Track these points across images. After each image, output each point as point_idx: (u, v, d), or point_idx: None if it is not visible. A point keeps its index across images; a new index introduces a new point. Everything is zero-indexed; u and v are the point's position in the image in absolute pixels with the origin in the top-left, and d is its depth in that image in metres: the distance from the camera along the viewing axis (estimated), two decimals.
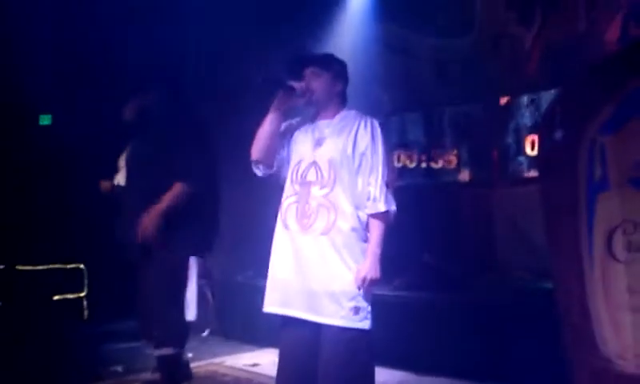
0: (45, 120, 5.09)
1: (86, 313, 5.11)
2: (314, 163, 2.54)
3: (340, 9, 5.09)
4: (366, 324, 2.48)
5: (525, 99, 4.39)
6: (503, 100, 4.51)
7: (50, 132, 5.05)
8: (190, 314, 3.41)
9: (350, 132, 2.54)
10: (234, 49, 5.15)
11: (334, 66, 2.63)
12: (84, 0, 4.55)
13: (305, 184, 2.54)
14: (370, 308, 2.50)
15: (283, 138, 2.64)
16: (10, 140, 4.64)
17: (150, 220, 3.19)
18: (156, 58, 4.74)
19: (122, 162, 3.48)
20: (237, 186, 4.38)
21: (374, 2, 5.07)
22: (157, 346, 3.37)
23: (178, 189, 3.24)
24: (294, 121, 2.69)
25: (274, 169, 2.65)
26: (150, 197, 3.25)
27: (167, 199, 3.22)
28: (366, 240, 2.51)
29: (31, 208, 4.61)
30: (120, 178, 3.48)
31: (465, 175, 4.76)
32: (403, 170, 4.99)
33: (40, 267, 4.92)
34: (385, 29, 5.15)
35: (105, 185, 3.74)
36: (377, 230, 2.48)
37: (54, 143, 4.76)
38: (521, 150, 4.39)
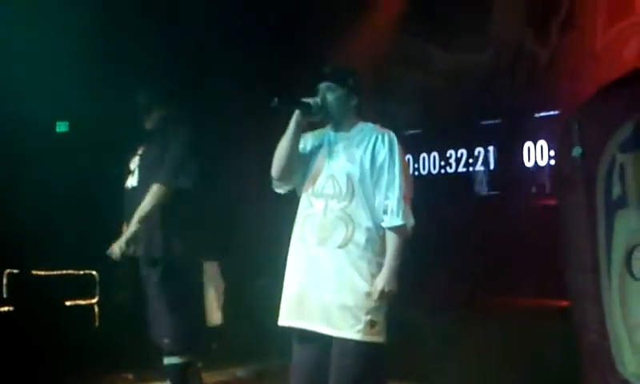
0: (62, 127, 5.12)
1: (97, 319, 5.12)
2: (332, 176, 2.54)
3: (357, 22, 5.10)
4: (381, 338, 2.47)
5: (542, 116, 4.37)
6: (520, 117, 4.50)
7: (66, 139, 5.08)
8: (213, 318, 3.42)
9: (368, 145, 2.54)
10: (250, 61, 5.19)
11: (349, 80, 2.63)
12: (102, 4, 4.59)
13: (322, 197, 2.54)
14: (384, 322, 2.49)
15: (302, 155, 2.65)
16: (27, 147, 4.67)
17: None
18: (174, 64, 4.80)
19: (134, 165, 3.51)
20: (253, 194, 4.39)
21: (391, 15, 5.08)
22: (166, 354, 3.37)
23: (152, 190, 3.28)
24: (310, 134, 2.70)
25: (291, 186, 2.67)
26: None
27: (141, 205, 3.28)
28: (383, 254, 2.50)
29: (46, 214, 4.64)
30: (133, 181, 3.50)
31: (479, 191, 4.74)
32: (417, 184, 4.97)
33: (53, 272, 4.94)
34: (402, 42, 5.16)
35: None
36: (394, 243, 2.48)
37: (71, 150, 4.79)
38: (537, 166, 4.37)
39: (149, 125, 3.53)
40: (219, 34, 5.03)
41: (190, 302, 3.41)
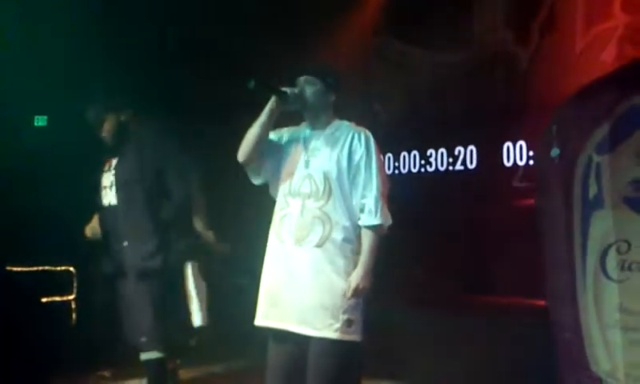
0: (40, 121, 5.06)
1: (74, 316, 5.06)
2: (308, 175, 2.52)
3: (339, 20, 5.11)
4: (358, 336, 2.47)
5: (521, 117, 4.40)
6: (500, 117, 4.53)
7: (45, 133, 5.02)
8: (196, 319, 3.39)
9: (344, 143, 2.53)
10: (232, 59, 5.19)
11: (329, 77, 2.61)
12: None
13: (299, 196, 2.52)
14: (361, 320, 2.49)
15: (274, 146, 2.62)
16: (4, 140, 4.61)
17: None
18: (155, 58, 4.77)
19: (107, 181, 3.45)
20: (231, 193, 4.38)
21: (372, 14, 5.11)
22: (144, 350, 3.34)
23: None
24: (285, 130, 2.68)
25: (261, 177, 2.64)
26: (145, 218, 3.26)
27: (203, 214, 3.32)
28: (360, 252, 2.49)
29: (23, 209, 4.58)
30: (111, 198, 3.43)
31: (458, 190, 4.77)
32: (395, 182, 5.00)
33: (29, 268, 4.87)
34: (383, 42, 5.18)
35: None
36: (369, 240, 2.47)
37: (50, 145, 4.74)
38: (516, 166, 4.41)
39: (108, 136, 3.43)
40: (196, 31, 5.03)
41: (169, 299, 3.38)
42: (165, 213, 3.31)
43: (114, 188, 3.36)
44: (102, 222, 3.45)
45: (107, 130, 3.40)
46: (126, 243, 3.31)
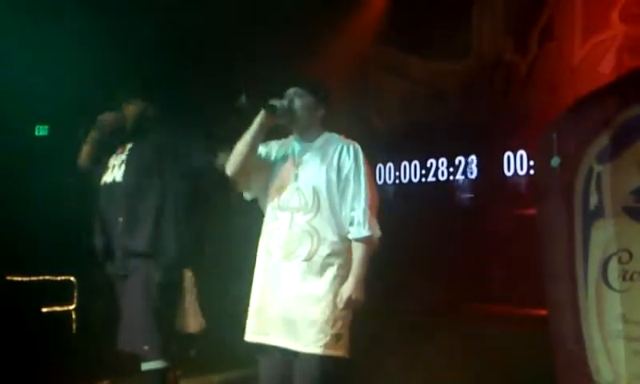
0: (42, 131, 5.07)
1: (74, 325, 5.05)
2: (297, 189, 2.52)
3: (337, 30, 5.13)
4: (346, 352, 2.47)
5: (522, 126, 4.42)
6: (500, 126, 4.54)
7: (46, 143, 5.03)
8: (190, 325, 3.36)
9: (333, 156, 2.53)
10: (225, 71, 5.21)
11: (319, 91, 2.63)
12: (83, 8, 4.58)
13: (288, 210, 2.52)
14: (349, 336, 2.48)
15: (263, 161, 2.63)
16: (6, 150, 4.62)
17: None
18: (155, 67, 4.78)
19: (118, 160, 3.45)
20: (232, 200, 4.38)
21: (372, 23, 5.13)
22: (144, 360, 3.32)
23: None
24: (274, 143, 2.68)
25: (251, 192, 2.64)
26: (145, 202, 3.26)
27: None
28: (348, 265, 2.49)
29: (24, 218, 4.58)
30: (116, 175, 3.42)
31: (458, 199, 4.78)
32: (396, 191, 5.01)
33: (29, 278, 4.86)
34: (382, 52, 5.20)
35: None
36: (360, 253, 2.47)
37: (51, 154, 4.74)
38: (516, 176, 4.41)
39: (130, 120, 3.46)
40: (197, 32, 5.04)
41: (167, 308, 3.36)
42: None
43: (123, 166, 3.36)
44: (100, 200, 3.43)
45: (132, 112, 3.42)
46: (121, 219, 3.30)
